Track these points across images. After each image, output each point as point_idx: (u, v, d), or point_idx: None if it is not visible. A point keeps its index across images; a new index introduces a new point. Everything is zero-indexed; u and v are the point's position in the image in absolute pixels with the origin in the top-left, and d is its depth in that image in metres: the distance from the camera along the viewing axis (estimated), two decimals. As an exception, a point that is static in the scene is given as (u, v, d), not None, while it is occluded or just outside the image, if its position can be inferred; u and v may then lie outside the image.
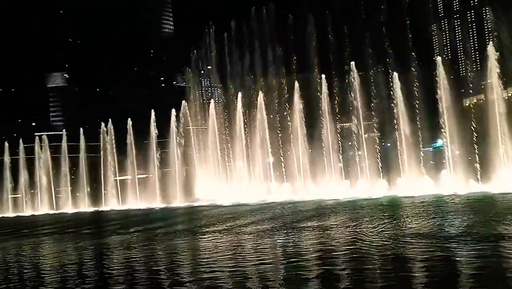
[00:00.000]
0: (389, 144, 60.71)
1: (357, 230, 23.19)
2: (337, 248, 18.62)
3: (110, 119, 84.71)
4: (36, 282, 16.32)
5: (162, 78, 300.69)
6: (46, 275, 17.53)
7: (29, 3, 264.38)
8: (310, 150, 62.16)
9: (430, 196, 44.65)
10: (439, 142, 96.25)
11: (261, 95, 64.15)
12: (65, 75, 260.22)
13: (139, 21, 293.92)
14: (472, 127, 79.28)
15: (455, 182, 49.49)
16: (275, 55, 78.27)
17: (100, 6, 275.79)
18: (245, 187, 63.35)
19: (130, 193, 76.58)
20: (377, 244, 18.66)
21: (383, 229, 22.84)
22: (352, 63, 57.76)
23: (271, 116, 65.41)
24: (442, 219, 25.75)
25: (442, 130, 53.84)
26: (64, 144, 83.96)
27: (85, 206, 76.92)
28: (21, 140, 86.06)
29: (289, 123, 64.09)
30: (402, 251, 17.07)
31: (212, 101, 77.01)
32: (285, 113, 65.23)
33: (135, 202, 73.59)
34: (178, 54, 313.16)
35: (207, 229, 29.22)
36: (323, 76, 65.49)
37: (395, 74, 55.29)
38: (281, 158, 64.91)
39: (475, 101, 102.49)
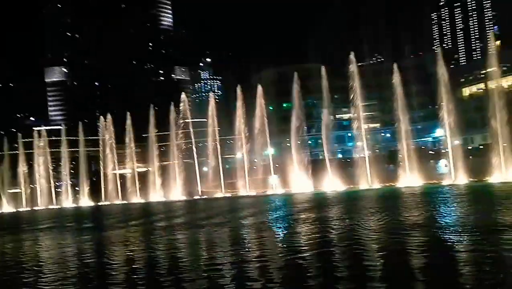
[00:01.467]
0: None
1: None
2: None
3: (108, 113, 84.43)
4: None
5: (161, 71, 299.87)
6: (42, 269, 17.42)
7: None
8: None
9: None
10: (439, 132, 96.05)
11: (259, 88, 63.75)
12: (63, 69, 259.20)
13: (138, 14, 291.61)
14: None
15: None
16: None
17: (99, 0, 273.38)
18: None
19: (130, 187, 76.44)
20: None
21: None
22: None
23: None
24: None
25: (441, 120, 53.50)
26: (63, 138, 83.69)
27: (85, 201, 76.80)
28: (19, 135, 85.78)
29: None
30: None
31: (211, 94, 76.41)
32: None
33: (135, 196, 73.52)
34: (177, 47, 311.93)
35: (204, 222, 29.16)
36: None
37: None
38: None
39: (474, 90, 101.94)
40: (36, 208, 77.25)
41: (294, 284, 12.59)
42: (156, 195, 70.05)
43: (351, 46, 69.58)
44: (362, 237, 18.74)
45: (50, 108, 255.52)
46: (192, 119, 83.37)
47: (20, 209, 77.48)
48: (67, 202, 77.97)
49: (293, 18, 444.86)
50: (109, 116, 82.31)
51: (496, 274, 11.92)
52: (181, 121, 74.43)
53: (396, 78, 54.45)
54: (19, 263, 19.33)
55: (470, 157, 61.19)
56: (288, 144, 64.74)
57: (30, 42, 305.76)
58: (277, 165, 65.42)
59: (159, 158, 78.90)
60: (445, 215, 23.96)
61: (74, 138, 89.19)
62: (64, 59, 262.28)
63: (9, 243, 28.18)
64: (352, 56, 56.85)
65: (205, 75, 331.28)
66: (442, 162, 58.01)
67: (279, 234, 21.83)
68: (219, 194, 63.12)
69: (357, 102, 57.79)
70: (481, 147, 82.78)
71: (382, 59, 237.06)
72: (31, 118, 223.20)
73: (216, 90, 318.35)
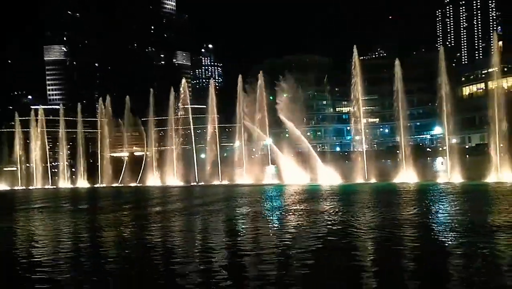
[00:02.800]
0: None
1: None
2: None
3: (108, 95, 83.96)
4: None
5: (162, 55, 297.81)
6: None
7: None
8: None
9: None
10: (437, 130, 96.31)
11: (261, 75, 63.45)
12: (63, 48, 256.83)
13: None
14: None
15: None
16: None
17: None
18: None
19: (126, 170, 76.46)
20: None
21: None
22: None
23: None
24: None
25: (440, 118, 53.55)
26: (61, 118, 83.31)
27: (82, 182, 76.85)
28: (16, 113, 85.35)
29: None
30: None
31: (211, 80, 76.02)
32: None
33: (131, 179, 73.60)
34: (179, 32, 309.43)
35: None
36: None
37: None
38: None
39: (475, 90, 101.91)
40: (31, 187, 77.20)
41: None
42: (152, 180, 70.18)
43: (355, 39, 69.21)
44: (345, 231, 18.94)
45: (48, 88, 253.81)
46: (191, 105, 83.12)
47: (16, 188, 77.45)
48: (63, 183, 77.98)
49: (297, 9, 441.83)
50: (108, 98, 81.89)
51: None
52: (181, 107, 74.21)
53: (397, 74, 54.31)
54: None
55: (467, 156, 61.49)
56: (286, 135, 64.75)
57: (30, 19, 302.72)
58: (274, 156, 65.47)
59: (157, 142, 78.83)
60: (434, 213, 24.20)
61: (72, 118, 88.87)
62: (64, 38, 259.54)
63: None
64: (354, 49, 56.52)
65: (206, 61, 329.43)
66: (439, 160, 58.22)
67: (263, 226, 21.98)
68: (215, 182, 63.29)
69: (357, 96, 57.67)
70: (474, 145, 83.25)
71: (384, 54, 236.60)
72: (29, 97, 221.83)
73: (217, 77, 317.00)
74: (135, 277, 13.40)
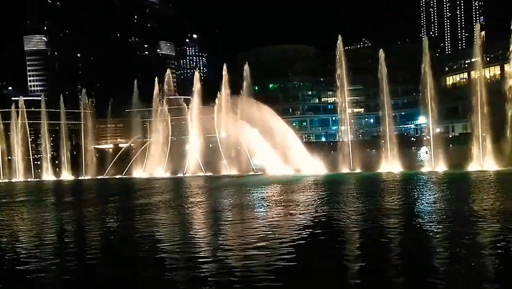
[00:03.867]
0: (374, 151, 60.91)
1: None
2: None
3: (91, 86, 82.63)
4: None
5: (146, 46, 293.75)
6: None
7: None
8: None
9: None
10: (421, 120, 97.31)
11: (246, 67, 63.01)
12: (44, 38, 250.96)
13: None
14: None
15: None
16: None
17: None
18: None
19: (109, 162, 75.55)
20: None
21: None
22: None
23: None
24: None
25: (424, 107, 54.03)
26: (43, 110, 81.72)
27: (65, 175, 75.75)
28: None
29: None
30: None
31: (196, 72, 75.31)
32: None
33: (116, 171, 72.79)
34: (163, 22, 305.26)
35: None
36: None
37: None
38: None
39: (458, 79, 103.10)
40: (14, 180, 75.92)
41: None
42: (138, 172, 69.55)
43: (339, 29, 69.03)
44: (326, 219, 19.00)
45: (30, 78, 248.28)
46: (176, 96, 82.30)
47: (-2, 181, 76.05)
48: (47, 176, 76.77)
49: (297, 8, 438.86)
50: (91, 89, 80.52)
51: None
52: (165, 97, 73.45)
53: (382, 64, 54.53)
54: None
55: (451, 145, 62.32)
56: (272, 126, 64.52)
57: (9, 8, 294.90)
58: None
59: (142, 134, 77.98)
60: (417, 202, 24.47)
61: (54, 110, 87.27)
62: (45, 28, 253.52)
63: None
64: (339, 40, 56.44)
65: (191, 52, 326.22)
66: (423, 149, 58.85)
67: (241, 217, 21.94)
68: (200, 173, 63.02)
69: (343, 86, 57.77)
70: (458, 135, 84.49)
71: (369, 44, 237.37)
72: (9, 88, 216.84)
73: (202, 68, 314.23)
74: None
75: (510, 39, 50.33)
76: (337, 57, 56.77)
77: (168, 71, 79.87)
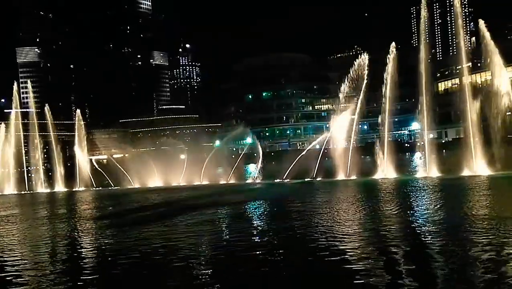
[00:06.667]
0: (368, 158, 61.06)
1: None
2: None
3: (84, 97, 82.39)
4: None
5: (139, 56, 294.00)
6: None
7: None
8: None
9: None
10: (414, 126, 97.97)
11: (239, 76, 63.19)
12: (36, 50, 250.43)
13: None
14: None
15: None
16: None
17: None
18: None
19: (106, 173, 75.06)
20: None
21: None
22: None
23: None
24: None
25: (418, 114, 54.35)
26: (35, 121, 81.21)
27: (59, 186, 75.14)
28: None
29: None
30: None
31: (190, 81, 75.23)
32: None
33: (110, 182, 72.33)
34: (156, 32, 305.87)
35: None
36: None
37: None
38: None
39: (450, 85, 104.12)
40: (6, 192, 75.14)
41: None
42: (132, 183, 69.15)
43: (333, 37, 69.63)
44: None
45: (22, 90, 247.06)
46: (170, 105, 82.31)
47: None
48: (40, 188, 76.10)
49: (275, 6, 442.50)
50: (84, 100, 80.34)
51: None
52: (159, 107, 73.49)
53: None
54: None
55: (444, 150, 62.73)
56: (267, 134, 64.74)
57: (1, 19, 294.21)
58: (255, 154, 65.45)
59: (137, 144, 77.87)
60: (411, 208, 24.61)
61: (47, 122, 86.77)
62: (37, 39, 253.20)
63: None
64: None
65: (184, 61, 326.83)
66: (417, 155, 59.13)
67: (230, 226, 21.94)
68: (196, 183, 62.86)
69: (337, 93, 58.07)
70: (451, 140, 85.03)
71: (361, 51, 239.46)
72: (2, 100, 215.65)
73: (195, 77, 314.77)
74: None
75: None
76: (331, 64, 57.17)
77: (162, 81, 79.90)
